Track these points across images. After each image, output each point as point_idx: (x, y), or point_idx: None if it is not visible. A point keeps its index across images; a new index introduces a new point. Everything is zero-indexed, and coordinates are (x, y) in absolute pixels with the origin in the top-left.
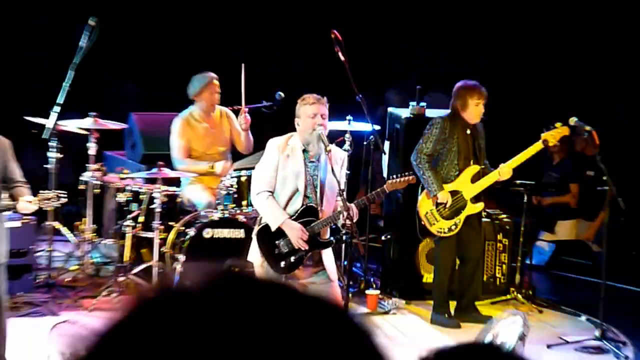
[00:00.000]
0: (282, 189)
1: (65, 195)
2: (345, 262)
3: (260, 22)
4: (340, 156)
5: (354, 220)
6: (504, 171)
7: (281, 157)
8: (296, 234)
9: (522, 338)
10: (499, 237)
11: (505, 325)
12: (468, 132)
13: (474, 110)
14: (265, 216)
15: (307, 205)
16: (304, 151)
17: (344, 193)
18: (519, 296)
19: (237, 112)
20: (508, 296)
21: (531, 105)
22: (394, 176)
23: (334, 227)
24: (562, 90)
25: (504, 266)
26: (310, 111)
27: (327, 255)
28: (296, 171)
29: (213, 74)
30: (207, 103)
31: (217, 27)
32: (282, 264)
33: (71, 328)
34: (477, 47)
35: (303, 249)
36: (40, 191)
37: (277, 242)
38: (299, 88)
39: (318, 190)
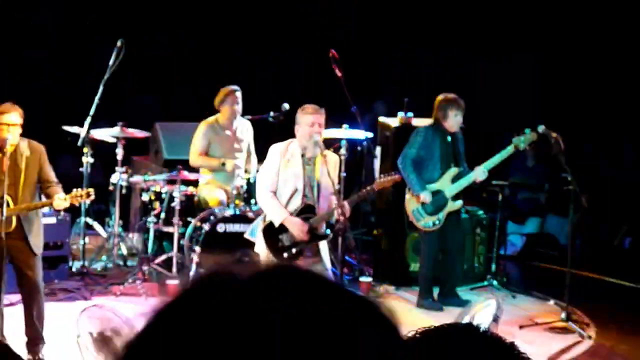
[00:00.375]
0: (283, 189)
1: (94, 194)
2: (340, 253)
3: (267, 23)
4: (334, 160)
5: (347, 216)
6: (479, 173)
7: (282, 161)
8: (297, 228)
9: (495, 319)
10: (477, 230)
11: (481, 308)
12: (448, 139)
13: (453, 121)
14: (269, 214)
15: (305, 203)
16: (302, 155)
17: (339, 192)
18: (495, 283)
19: (253, 122)
20: (485, 283)
21: (530, 105)
22: (382, 175)
23: (329, 222)
24: (561, 91)
25: (481, 256)
26: (309, 120)
27: (323, 246)
28: (295, 173)
29: (235, 87)
30: (229, 112)
31: (233, 43)
32: (285, 255)
33: (98, 311)
34: (476, 48)
35: (303, 241)
36: (73, 189)
37: (280, 236)
38: (300, 94)
39: (315, 189)
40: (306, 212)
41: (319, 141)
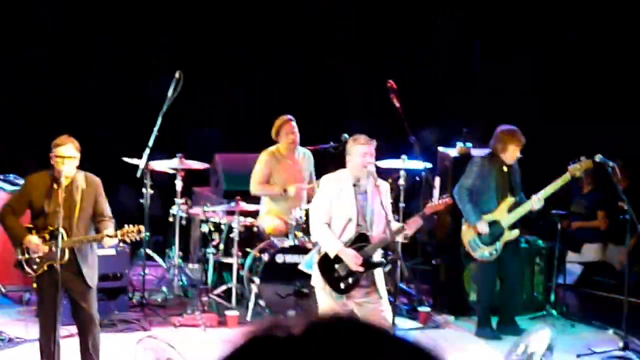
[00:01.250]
0: (336, 220)
1: (144, 230)
2: (394, 282)
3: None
4: (385, 188)
5: (410, 235)
6: (535, 202)
7: (334, 191)
8: (351, 259)
9: (550, 348)
10: (536, 260)
11: (535, 337)
12: (505, 169)
13: (512, 154)
14: (324, 245)
15: (359, 233)
16: (354, 185)
17: (393, 218)
18: (554, 312)
19: (314, 152)
20: (544, 312)
21: (530, 107)
22: (432, 200)
23: (385, 250)
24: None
25: (540, 286)
26: (361, 150)
27: (379, 275)
28: (348, 203)
29: (288, 116)
30: (286, 142)
31: (289, 71)
32: (342, 285)
33: (153, 342)
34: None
35: (358, 271)
36: (125, 225)
37: (335, 266)
38: (357, 125)
39: (368, 218)
40: (360, 241)
41: (372, 171)
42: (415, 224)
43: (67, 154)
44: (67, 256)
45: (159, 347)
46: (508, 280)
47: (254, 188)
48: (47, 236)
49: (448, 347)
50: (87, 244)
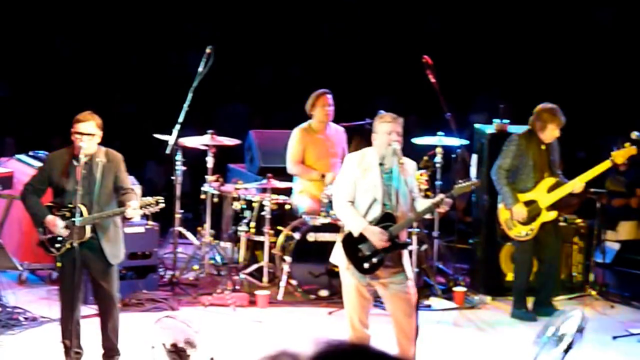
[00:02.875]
0: (361, 199)
1: (164, 201)
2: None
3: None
4: (412, 167)
5: (446, 210)
6: (578, 185)
7: (358, 170)
8: (377, 237)
9: (580, 330)
10: (575, 239)
11: (566, 319)
12: (543, 147)
13: (550, 134)
14: (348, 224)
15: (385, 212)
16: (380, 164)
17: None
18: (593, 292)
19: (350, 129)
20: (584, 293)
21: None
22: (460, 181)
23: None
24: None
25: (579, 265)
26: (387, 128)
27: (405, 255)
28: (374, 183)
29: (325, 90)
30: (321, 115)
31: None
32: (366, 265)
33: (172, 322)
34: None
35: (384, 250)
36: (142, 198)
37: (359, 246)
38: (393, 100)
39: (394, 198)
40: (386, 220)
41: (397, 149)
42: (444, 203)
43: (87, 131)
44: (88, 234)
45: (178, 327)
46: (546, 260)
47: (292, 168)
48: (68, 214)
49: (483, 327)
50: (108, 219)
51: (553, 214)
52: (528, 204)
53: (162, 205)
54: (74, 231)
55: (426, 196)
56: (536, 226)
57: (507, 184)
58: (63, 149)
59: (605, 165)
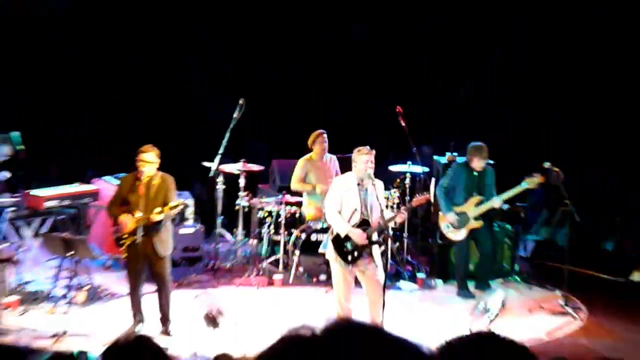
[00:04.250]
0: (346, 209)
1: (188, 205)
2: (407, 256)
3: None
4: (380, 185)
5: (402, 221)
6: (496, 201)
7: (343, 189)
8: (359, 237)
9: (503, 305)
10: (505, 239)
11: (492, 296)
12: (475, 174)
13: (477, 164)
14: (336, 228)
15: (362, 219)
16: (358, 184)
17: (387, 207)
18: (517, 278)
19: (342, 159)
20: (510, 278)
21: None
22: (417, 195)
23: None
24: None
25: (508, 258)
26: (364, 159)
27: (376, 250)
28: (354, 197)
29: (322, 130)
30: (319, 150)
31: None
32: (349, 257)
33: (207, 297)
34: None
35: (362, 246)
36: (171, 202)
37: (344, 244)
38: (368, 138)
39: (368, 208)
40: (363, 225)
41: (371, 174)
42: (403, 214)
43: (148, 159)
44: (141, 233)
45: (211, 300)
46: (483, 254)
47: (293, 185)
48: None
49: (438, 300)
50: (162, 222)
51: (479, 223)
52: (459, 214)
53: (182, 208)
54: (137, 231)
55: (398, 207)
56: (466, 231)
57: (444, 198)
58: (131, 173)
59: (519, 188)
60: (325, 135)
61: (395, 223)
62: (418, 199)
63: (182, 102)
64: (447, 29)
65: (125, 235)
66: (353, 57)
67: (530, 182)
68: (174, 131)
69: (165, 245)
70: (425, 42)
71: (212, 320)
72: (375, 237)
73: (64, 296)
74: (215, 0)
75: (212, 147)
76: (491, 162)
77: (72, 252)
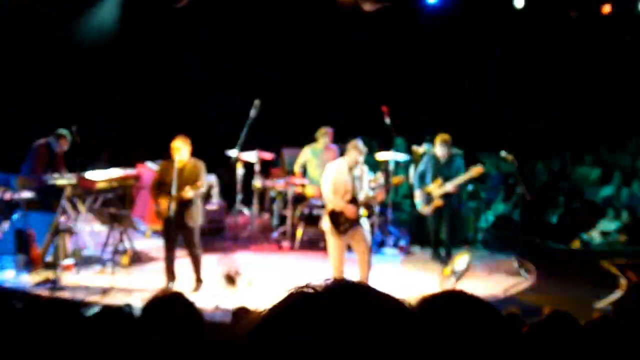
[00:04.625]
0: (338, 189)
1: (214, 186)
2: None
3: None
4: (366, 171)
5: (382, 199)
6: (448, 187)
7: (336, 173)
8: (351, 211)
9: (467, 268)
10: (470, 214)
11: (459, 259)
12: (442, 161)
13: (439, 152)
14: (332, 203)
15: (353, 197)
16: (350, 169)
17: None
18: (480, 246)
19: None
20: (474, 246)
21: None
22: (393, 178)
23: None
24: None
25: (472, 229)
26: (358, 151)
27: (364, 221)
28: (346, 179)
29: (328, 128)
30: (323, 143)
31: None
32: (342, 228)
33: (226, 259)
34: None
35: (352, 219)
36: (196, 184)
37: (338, 217)
38: (360, 130)
39: (357, 189)
40: (353, 202)
41: (361, 161)
42: (382, 193)
43: (176, 146)
44: (174, 207)
45: (230, 262)
46: (451, 227)
47: (295, 167)
48: (168, 196)
49: (415, 265)
50: (192, 199)
51: (440, 201)
52: (427, 194)
53: (201, 191)
54: (170, 207)
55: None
56: (432, 207)
57: (417, 180)
58: (169, 159)
59: (465, 176)
60: (330, 132)
61: (375, 200)
62: (393, 181)
63: (182, 102)
64: (447, 29)
65: (160, 211)
66: (353, 57)
67: (473, 171)
68: (173, 131)
69: (195, 218)
70: (425, 42)
71: (230, 279)
72: (361, 211)
73: (111, 260)
74: (215, 0)
75: (211, 146)
76: (460, 151)
77: (118, 224)
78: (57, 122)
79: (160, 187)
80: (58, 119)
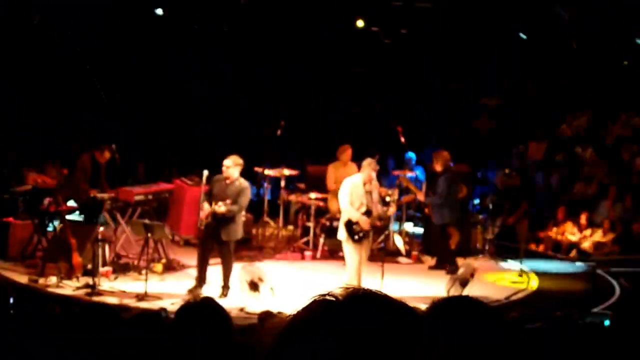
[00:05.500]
0: (355, 203)
1: (228, 204)
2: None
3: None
4: (376, 185)
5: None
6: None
7: (352, 187)
8: (366, 222)
9: (473, 275)
10: (478, 227)
11: (464, 267)
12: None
13: (437, 167)
14: (349, 215)
15: (367, 210)
16: (364, 184)
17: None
18: (487, 256)
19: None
20: (480, 255)
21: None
22: (408, 194)
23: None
24: None
25: (480, 241)
26: (372, 168)
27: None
28: (361, 194)
29: (348, 145)
30: (345, 159)
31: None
32: (356, 237)
33: (250, 267)
34: None
35: (367, 230)
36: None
37: (354, 227)
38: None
39: (370, 202)
40: (367, 214)
41: (374, 177)
42: (393, 207)
43: (225, 164)
44: (209, 219)
45: (254, 269)
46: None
47: (329, 185)
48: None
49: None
50: (228, 214)
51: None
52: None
53: (230, 207)
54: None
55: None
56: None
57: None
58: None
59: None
60: (350, 149)
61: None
62: (406, 198)
63: (182, 102)
64: (447, 29)
65: (203, 220)
66: (353, 57)
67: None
68: (174, 130)
69: (230, 233)
70: (425, 42)
71: (254, 285)
72: (377, 223)
73: (146, 267)
74: (215, 0)
75: (211, 145)
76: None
77: (152, 234)
78: (57, 122)
79: (208, 198)
80: (58, 119)
